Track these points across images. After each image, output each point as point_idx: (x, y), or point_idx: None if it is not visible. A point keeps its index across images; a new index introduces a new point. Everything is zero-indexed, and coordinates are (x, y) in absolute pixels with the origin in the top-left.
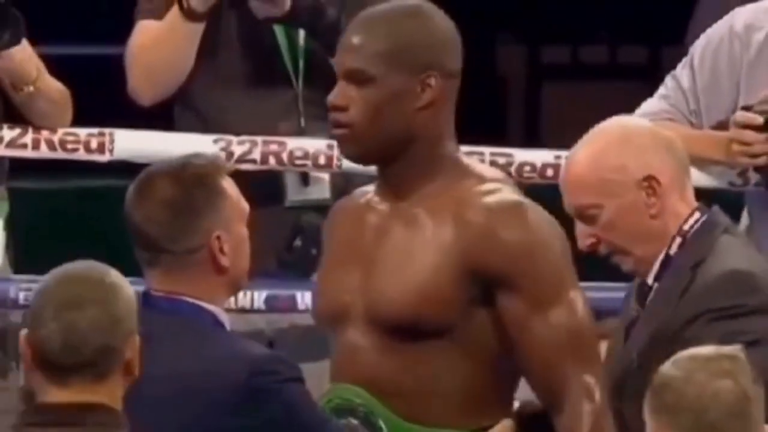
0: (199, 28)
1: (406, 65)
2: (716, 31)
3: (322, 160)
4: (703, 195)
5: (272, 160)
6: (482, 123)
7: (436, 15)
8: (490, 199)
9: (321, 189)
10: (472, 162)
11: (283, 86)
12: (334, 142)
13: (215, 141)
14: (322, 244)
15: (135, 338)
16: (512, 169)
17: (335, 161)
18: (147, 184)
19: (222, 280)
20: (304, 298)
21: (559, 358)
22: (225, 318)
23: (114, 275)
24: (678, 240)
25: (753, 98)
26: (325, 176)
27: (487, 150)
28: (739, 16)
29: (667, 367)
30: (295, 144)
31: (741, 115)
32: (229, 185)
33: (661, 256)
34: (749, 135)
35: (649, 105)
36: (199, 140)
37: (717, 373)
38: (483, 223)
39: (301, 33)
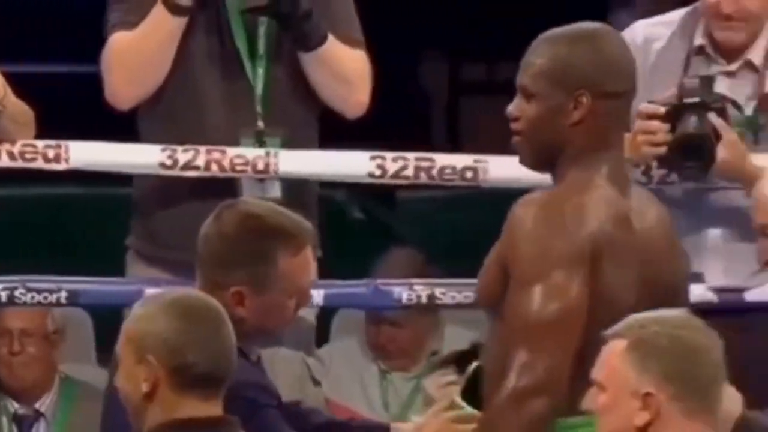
0: (182, 23)
1: (561, 84)
2: None
3: (260, 166)
4: None
5: (214, 167)
6: (409, 132)
7: (609, 39)
8: (529, 195)
9: (273, 187)
10: (589, 176)
11: (243, 90)
12: (271, 150)
13: (162, 150)
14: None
15: None
16: (434, 172)
17: (272, 167)
18: (226, 210)
19: (242, 329)
20: None
21: (518, 335)
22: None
23: None
24: None
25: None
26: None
27: (411, 155)
28: (637, 31)
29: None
30: (235, 152)
31: (645, 107)
32: (295, 258)
33: None
34: (653, 125)
35: None
36: (147, 149)
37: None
38: (510, 215)
39: (261, 39)
